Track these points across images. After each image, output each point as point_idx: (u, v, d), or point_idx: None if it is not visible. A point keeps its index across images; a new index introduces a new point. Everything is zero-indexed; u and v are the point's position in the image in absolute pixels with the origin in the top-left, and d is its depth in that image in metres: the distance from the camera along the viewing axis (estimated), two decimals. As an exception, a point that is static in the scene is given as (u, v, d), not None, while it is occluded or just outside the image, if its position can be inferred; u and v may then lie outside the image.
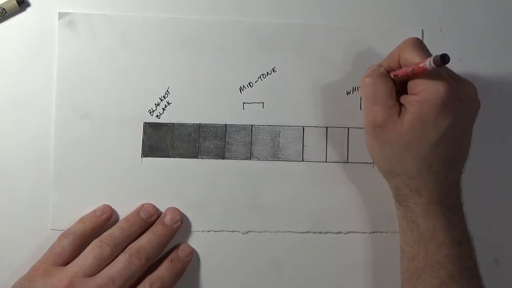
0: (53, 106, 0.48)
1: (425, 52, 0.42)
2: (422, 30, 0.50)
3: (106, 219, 0.47)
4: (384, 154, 0.44)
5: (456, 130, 0.42)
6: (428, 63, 0.39)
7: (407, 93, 0.43)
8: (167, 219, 0.47)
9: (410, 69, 0.42)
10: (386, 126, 0.42)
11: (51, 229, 0.48)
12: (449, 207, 0.43)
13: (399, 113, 0.42)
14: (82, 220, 0.47)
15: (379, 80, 0.43)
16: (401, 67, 0.44)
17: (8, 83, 0.48)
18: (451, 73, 0.43)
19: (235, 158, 0.49)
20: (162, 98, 0.49)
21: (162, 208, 0.48)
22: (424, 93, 0.41)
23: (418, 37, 0.50)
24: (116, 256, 0.45)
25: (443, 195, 0.43)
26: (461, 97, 0.41)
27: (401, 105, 0.43)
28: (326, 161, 0.50)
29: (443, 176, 0.43)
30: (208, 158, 0.49)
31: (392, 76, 0.44)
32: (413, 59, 0.42)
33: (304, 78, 0.50)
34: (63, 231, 0.46)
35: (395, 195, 0.45)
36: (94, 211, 0.47)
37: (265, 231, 0.49)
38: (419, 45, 0.43)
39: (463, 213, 0.44)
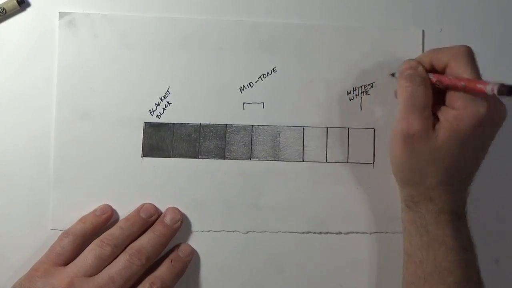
0: (53, 106, 0.48)
1: (476, 69, 0.41)
2: (423, 30, 0.50)
3: (106, 219, 0.47)
4: (409, 164, 0.43)
5: (482, 148, 0.42)
6: (490, 89, 0.38)
7: (440, 98, 0.42)
8: (167, 219, 0.47)
9: (461, 83, 0.40)
10: (419, 137, 0.41)
11: (51, 229, 0.47)
12: (459, 216, 0.43)
13: (434, 125, 0.41)
14: (82, 220, 0.47)
15: (419, 88, 0.42)
16: (444, 71, 0.42)
17: (8, 83, 0.48)
18: None
19: (235, 158, 0.49)
20: (162, 98, 0.49)
21: (162, 208, 0.48)
22: (465, 110, 0.40)
23: (419, 37, 0.50)
24: (117, 256, 0.45)
25: (454, 205, 0.43)
26: (495, 119, 0.41)
27: (434, 115, 0.42)
28: (326, 161, 0.50)
29: (458, 188, 0.43)
30: (208, 158, 0.49)
31: (434, 80, 0.42)
32: (463, 73, 0.40)
33: (304, 78, 0.50)
34: (63, 231, 0.46)
35: (406, 201, 0.45)
36: (94, 211, 0.47)
37: (265, 231, 0.49)
38: (472, 60, 0.41)
39: (467, 220, 0.44)
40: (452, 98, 0.41)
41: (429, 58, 0.43)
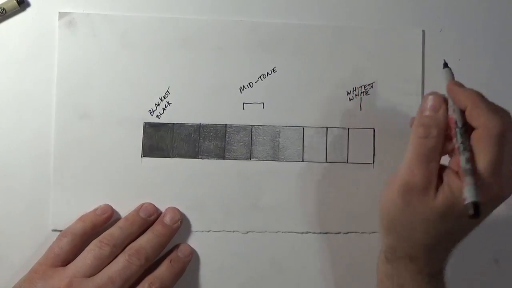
0: (53, 106, 0.48)
1: (497, 156, 0.36)
2: (423, 30, 0.50)
3: (107, 218, 0.47)
4: (400, 214, 0.39)
5: (478, 222, 0.39)
6: (466, 200, 0.35)
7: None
8: (167, 219, 0.47)
9: (460, 163, 0.36)
10: (418, 191, 0.37)
11: (51, 229, 0.48)
12: (436, 278, 0.41)
13: (437, 187, 0.37)
14: (82, 218, 0.47)
15: (434, 140, 0.38)
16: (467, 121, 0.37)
17: (8, 83, 0.48)
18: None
19: (235, 158, 0.49)
20: (162, 98, 0.49)
21: (162, 208, 0.48)
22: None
23: (419, 37, 0.50)
24: (116, 256, 0.45)
25: (434, 268, 0.40)
26: (499, 200, 0.38)
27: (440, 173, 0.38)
28: (326, 161, 0.50)
29: (442, 253, 0.40)
30: (208, 158, 0.49)
31: (450, 124, 0.38)
32: (480, 152, 0.36)
33: (304, 78, 0.49)
34: (62, 231, 0.46)
35: (386, 252, 0.41)
36: (95, 210, 0.47)
37: (265, 231, 0.49)
38: (499, 144, 0.36)
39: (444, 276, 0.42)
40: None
41: (458, 99, 0.38)
